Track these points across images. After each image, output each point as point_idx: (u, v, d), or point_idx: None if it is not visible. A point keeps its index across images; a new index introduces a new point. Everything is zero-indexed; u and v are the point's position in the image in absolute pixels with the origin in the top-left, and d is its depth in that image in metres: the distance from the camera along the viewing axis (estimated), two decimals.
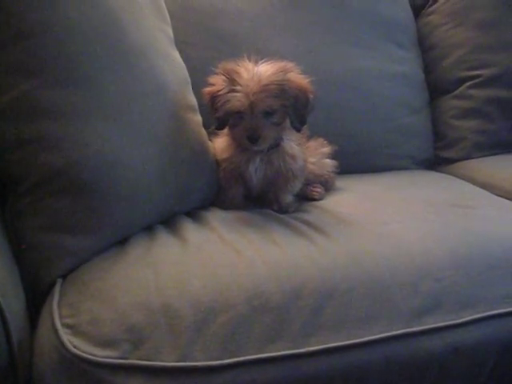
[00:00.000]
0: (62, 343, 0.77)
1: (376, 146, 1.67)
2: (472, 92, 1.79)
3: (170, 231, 1.03)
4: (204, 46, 1.50)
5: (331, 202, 1.24)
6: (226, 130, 1.19)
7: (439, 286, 0.92)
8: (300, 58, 1.56)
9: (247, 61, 1.14)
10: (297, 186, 1.24)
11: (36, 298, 0.90)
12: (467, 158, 1.74)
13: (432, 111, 1.84)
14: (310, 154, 1.32)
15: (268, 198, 1.24)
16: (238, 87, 1.09)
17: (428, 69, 1.87)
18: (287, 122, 1.15)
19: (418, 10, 1.94)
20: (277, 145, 1.18)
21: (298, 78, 1.14)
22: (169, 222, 1.08)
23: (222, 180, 1.24)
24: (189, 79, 1.26)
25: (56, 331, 0.79)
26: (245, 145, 1.14)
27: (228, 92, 1.11)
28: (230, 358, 0.78)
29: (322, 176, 1.36)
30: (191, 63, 1.31)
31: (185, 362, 0.76)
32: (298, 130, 1.17)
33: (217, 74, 1.15)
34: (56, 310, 0.82)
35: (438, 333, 0.88)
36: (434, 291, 0.91)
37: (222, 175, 1.23)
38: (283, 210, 1.20)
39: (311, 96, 1.16)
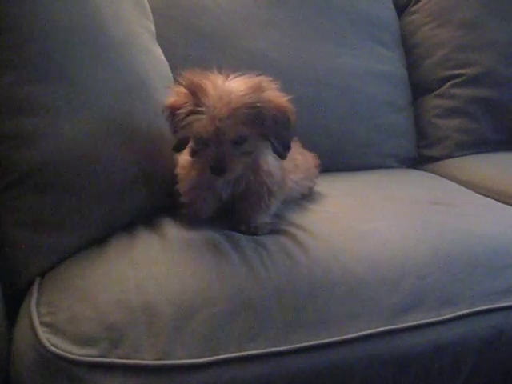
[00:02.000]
0: (40, 342, 0.76)
1: (359, 144, 1.67)
2: (455, 91, 1.81)
3: (151, 229, 1.01)
4: (186, 43, 1.49)
5: (314, 200, 1.24)
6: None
7: (421, 284, 0.92)
8: (283, 56, 1.58)
9: (216, 74, 0.97)
10: (273, 204, 1.08)
11: (14, 297, 0.89)
12: (450, 157, 1.76)
13: (415, 110, 1.86)
14: (294, 170, 1.17)
15: (238, 217, 1.07)
16: (203, 108, 0.92)
17: (411, 68, 1.89)
18: (262, 146, 0.99)
19: (401, 9, 1.96)
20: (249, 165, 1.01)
21: (275, 96, 0.98)
22: (150, 219, 1.07)
23: (183, 195, 1.06)
24: (171, 76, 1.25)
25: (34, 329, 0.78)
26: (207, 176, 0.97)
27: (190, 113, 0.94)
28: (210, 355, 0.77)
29: (302, 194, 1.25)
30: (173, 61, 1.31)
31: (165, 360, 0.75)
32: (283, 157, 1.00)
33: (180, 84, 0.98)
34: (34, 308, 0.82)
35: (420, 330, 0.88)
36: (415, 289, 0.92)
37: (186, 184, 1.06)
38: (251, 231, 1.03)
39: (292, 116, 1.00)
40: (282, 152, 0.99)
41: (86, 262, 0.90)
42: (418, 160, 1.81)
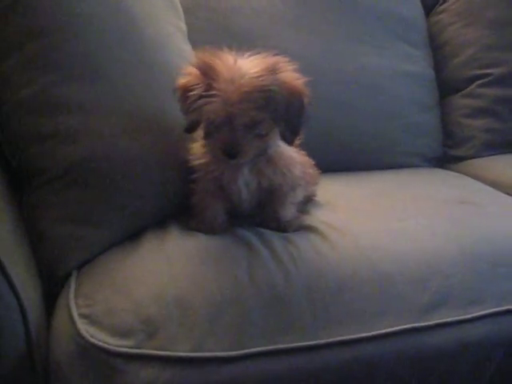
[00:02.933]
0: (78, 332, 0.79)
1: (386, 143, 1.67)
2: (482, 91, 1.79)
3: (184, 225, 1.04)
4: (217, 43, 1.50)
5: (343, 198, 1.25)
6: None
7: (448, 283, 0.93)
8: (311, 55, 1.59)
9: (229, 53, 0.94)
10: (299, 195, 1.07)
11: (52, 289, 0.92)
12: (476, 157, 1.74)
13: (442, 110, 1.84)
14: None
15: (265, 214, 1.05)
16: (214, 91, 0.88)
17: (438, 67, 1.87)
18: (276, 131, 0.96)
19: (428, 9, 1.94)
20: (263, 154, 0.98)
21: (290, 78, 0.93)
22: (182, 215, 1.08)
23: (196, 195, 1.02)
24: None
25: (73, 321, 0.81)
26: (221, 159, 0.94)
27: (202, 95, 0.90)
28: (241, 349, 0.79)
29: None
30: None
31: (197, 352, 0.77)
32: (290, 143, 0.97)
33: (192, 64, 0.95)
34: (72, 301, 0.84)
35: (446, 328, 0.89)
36: (442, 287, 0.92)
37: (198, 188, 1.02)
38: (282, 228, 1.02)
39: (306, 101, 0.94)
40: (289, 138, 0.96)
41: (121, 256, 0.92)
42: (445, 159, 1.80)
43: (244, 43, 1.26)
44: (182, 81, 0.95)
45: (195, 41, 1.36)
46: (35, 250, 0.92)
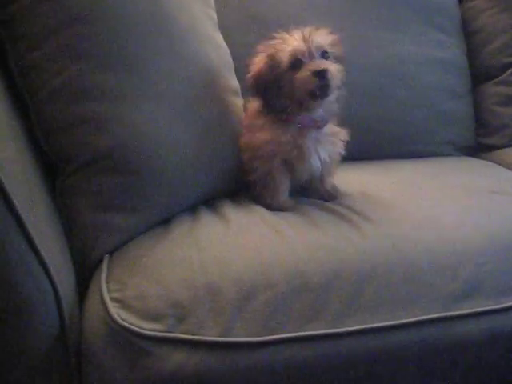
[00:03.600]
0: (110, 316, 0.80)
1: (417, 131, 1.65)
2: None
3: (213, 212, 1.05)
4: (246, 30, 1.50)
5: (372, 187, 1.24)
6: (265, 119, 1.09)
7: (478, 272, 0.92)
8: (342, 42, 1.58)
9: (281, 32, 1.08)
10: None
11: (84, 273, 0.93)
12: (510, 146, 1.71)
13: (475, 97, 1.81)
14: None
15: (313, 186, 1.16)
16: (288, 39, 1.05)
17: (471, 54, 1.83)
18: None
19: None
20: (327, 121, 1.09)
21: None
22: (212, 202, 1.10)
23: (264, 176, 1.09)
24: (232, 63, 1.28)
25: (105, 304, 0.82)
26: (311, 93, 1.02)
27: (277, 51, 1.04)
28: (269, 335, 0.80)
29: None
30: (233, 48, 1.33)
31: (226, 337, 0.78)
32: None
33: (254, 58, 1.08)
34: (104, 285, 0.86)
35: (476, 318, 0.88)
36: (473, 276, 0.91)
37: (264, 167, 1.08)
38: (333, 196, 1.14)
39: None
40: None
41: (152, 242, 0.94)
42: (477, 148, 1.77)
43: (274, 30, 1.27)
44: (252, 72, 1.08)
45: (225, 28, 1.36)
46: (68, 236, 0.94)
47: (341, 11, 1.64)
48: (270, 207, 1.07)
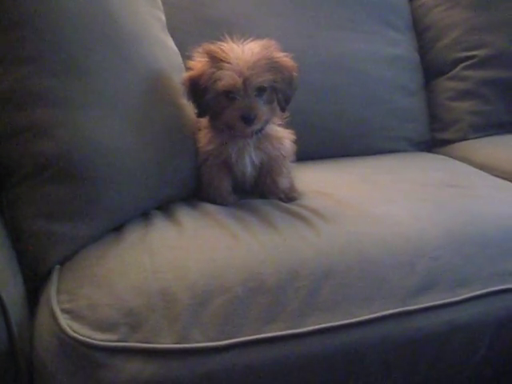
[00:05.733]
0: (61, 328, 0.78)
1: (372, 128, 1.67)
2: (467, 73, 1.79)
3: (166, 216, 1.03)
4: (197, 32, 1.49)
5: (328, 185, 1.24)
6: (206, 123, 1.13)
7: (435, 265, 0.93)
8: (295, 43, 1.58)
9: (230, 41, 1.08)
10: (289, 166, 1.19)
11: (34, 286, 0.91)
12: (464, 140, 1.75)
13: (428, 93, 1.84)
14: None
15: (265, 185, 1.17)
16: (228, 65, 1.02)
17: (423, 51, 1.87)
18: (275, 103, 1.10)
19: None
20: (262, 129, 1.12)
21: (282, 55, 1.09)
22: (165, 207, 1.09)
23: (207, 175, 1.15)
24: (183, 65, 1.26)
25: (55, 316, 0.80)
26: (237, 128, 1.06)
27: (216, 71, 1.03)
28: (227, 339, 0.78)
29: None
30: (184, 50, 1.31)
31: (183, 343, 0.77)
32: (284, 110, 1.11)
33: (195, 57, 1.08)
34: (54, 296, 0.83)
35: (435, 311, 0.89)
36: (429, 270, 0.92)
37: (207, 170, 1.14)
38: (281, 196, 1.15)
39: (295, 74, 1.10)
40: (284, 105, 1.10)
41: (103, 249, 0.91)
42: (432, 143, 1.80)
43: (225, 31, 1.26)
44: (189, 73, 1.08)
45: (174, 31, 1.34)
46: (16, 247, 0.91)
47: (294, 11, 1.65)
48: (215, 202, 1.12)
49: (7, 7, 0.88)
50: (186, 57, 1.16)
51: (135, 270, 0.85)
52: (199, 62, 1.07)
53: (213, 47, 1.05)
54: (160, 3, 1.33)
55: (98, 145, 0.93)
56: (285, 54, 1.10)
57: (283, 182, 1.17)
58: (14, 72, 0.88)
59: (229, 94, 1.04)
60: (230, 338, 0.79)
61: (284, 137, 1.16)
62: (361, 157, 1.61)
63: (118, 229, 0.98)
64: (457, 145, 1.74)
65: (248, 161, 1.13)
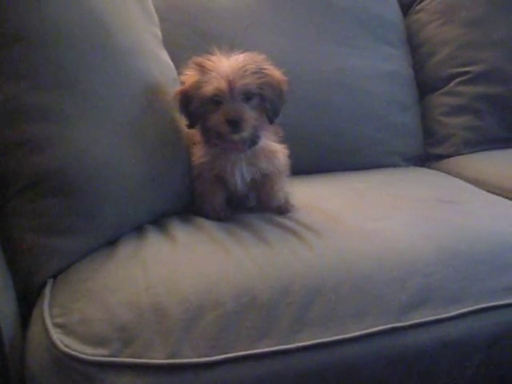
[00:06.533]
0: (52, 343, 0.78)
1: (366, 143, 1.68)
2: (461, 89, 1.80)
3: (160, 231, 1.03)
4: (191, 46, 1.49)
5: (321, 200, 1.25)
6: (199, 137, 1.13)
7: (427, 282, 0.93)
8: (289, 57, 1.59)
9: (218, 53, 1.08)
10: (284, 181, 1.18)
11: (27, 299, 0.90)
12: (457, 155, 1.76)
13: (422, 108, 1.85)
14: None
15: (261, 202, 1.18)
16: (214, 72, 1.03)
17: (417, 66, 1.88)
18: (264, 115, 1.09)
19: (406, 8, 1.95)
20: (255, 143, 1.10)
21: (272, 68, 1.09)
22: (159, 221, 1.09)
23: (200, 189, 1.15)
24: (178, 80, 1.26)
25: (47, 331, 0.80)
26: (225, 133, 1.05)
27: (203, 79, 1.04)
28: (219, 354, 0.78)
29: None
30: (180, 64, 1.32)
31: (174, 359, 0.77)
32: (271, 122, 1.10)
33: (186, 71, 1.09)
34: (47, 310, 0.83)
35: (426, 327, 0.89)
36: (421, 286, 0.92)
37: (201, 184, 1.15)
38: (284, 210, 1.15)
39: (285, 87, 1.10)
40: (272, 118, 1.09)
41: (96, 264, 0.91)
42: (425, 158, 1.80)
43: (221, 47, 1.26)
44: (181, 88, 1.09)
45: (170, 46, 1.35)
46: (10, 261, 0.91)
47: (289, 26, 1.66)
48: (208, 217, 1.11)
49: (2, 23, 0.88)
50: (179, 72, 1.17)
51: (128, 285, 0.84)
52: (188, 76, 1.08)
53: (200, 58, 1.07)
54: (156, 19, 1.34)
55: (93, 159, 0.93)
56: (274, 67, 1.10)
57: (278, 197, 1.17)
58: (7, 88, 0.88)
59: (215, 99, 1.04)
60: (222, 354, 0.79)
61: (278, 151, 1.15)
62: (354, 171, 1.61)
63: (111, 243, 0.98)
64: (450, 160, 1.75)
65: (238, 176, 1.12)
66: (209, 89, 1.03)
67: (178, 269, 0.88)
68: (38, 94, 0.90)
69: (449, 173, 1.61)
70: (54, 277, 0.91)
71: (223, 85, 1.02)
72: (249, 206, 1.21)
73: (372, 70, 1.73)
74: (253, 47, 1.54)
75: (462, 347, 0.91)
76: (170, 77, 1.22)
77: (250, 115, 1.04)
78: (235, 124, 1.03)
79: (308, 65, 1.62)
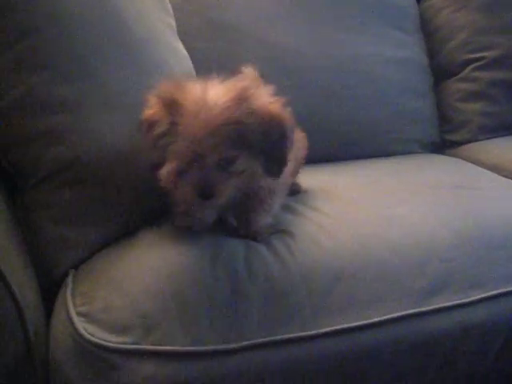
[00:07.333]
0: (77, 331, 0.79)
1: (382, 131, 1.67)
2: (476, 74, 1.79)
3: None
4: (206, 37, 1.50)
5: (338, 188, 1.25)
6: None
7: (446, 267, 0.93)
8: (304, 46, 1.59)
9: (196, 83, 0.84)
10: (276, 203, 0.98)
11: (50, 289, 0.91)
12: (473, 141, 1.75)
13: (437, 95, 1.84)
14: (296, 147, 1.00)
15: (238, 220, 0.98)
16: (180, 128, 0.79)
17: (432, 52, 1.87)
18: (256, 165, 0.85)
19: None
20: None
21: (265, 105, 0.83)
22: None
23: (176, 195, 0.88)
24: (193, 70, 1.27)
25: (71, 319, 0.80)
26: (196, 205, 0.86)
27: (167, 133, 0.81)
28: (241, 341, 0.79)
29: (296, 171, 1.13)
30: (194, 55, 1.32)
31: (196, 346, 0.77)
32: (276, 175, 0.87)
33: (156, 96, 0.86)
34: (70, 299, 0.84)
35: (447, 312, 0.89)
36: (440, 272, 0.92)
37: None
38: (251, 235, 0.94)
39: (286, 126, 0.85)
40: (276, 171, 0.86)
41: (117, 253, 0.92)
42: (442, 145, 1.80)
43: (235, 36, 1.25)
44: (147, 113, 0.86)
45: (184, 36, 1.35)
46: (31, 251, 0.91)
47: (303, 14, 1.65)
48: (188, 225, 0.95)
49: (20, 15, 0.88)
50: (197, 62, 1.16)
51: (150, 274, 0.85)
52: (158, 105, 0.85)
53: (170, 93, 0.83)
54: (170, 8, 1.34)
55: (111, 149, 0.94)
56: (271, 99, 0.85)
57: (258, 221, 0.95)
58: (27, 79, 0.89)
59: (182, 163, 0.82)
60: (243, 341, 0.79)
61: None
62: (370, 159, 1.61)
63: (132, 232, 0.98)
64: (466, 146, 1.74)
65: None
66: (172, 154, 0.81)
67: (199, 257, 0.88)
68: (57, 86, 0.90)
69: (465, 159, 1.60)
70: (76, 267, 0.92)
71: (188, 153, 0.80)
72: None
73: (386, 57, 1.73)
74: (265, 36, 1.55)
75: (482, 332, 0.91)
76: (185, 67, 1.23)
77: (226, 185, 0.82)
78: (206, 197, 0.82)
79: (322, 52, 1.62)
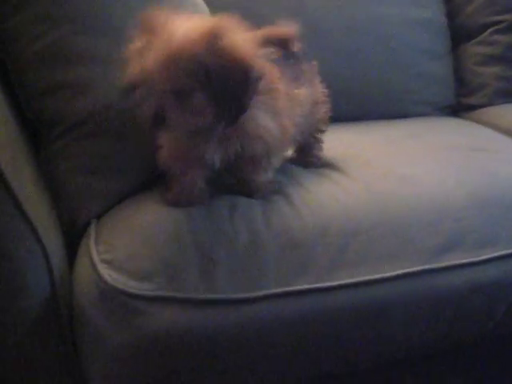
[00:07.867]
0: (101, 277, 0.81)
1: (397, 92, 1.66)
2: (495, 38, 1.76)
3: None
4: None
5: (355, 147, 1.25)
6: None
7: (459, 226, 0.94)
8: (321, 6, 1.57)
9: (182, 16, 0.80)
10: (275, 160, 0.96)
11: (73, 238, 0.94)
12: (489, 105, 1.73)
13: (455, 58, 1.82)
14: (300, 102, 0.98)
15: (237, 178, 0.97)
16: (147, 53, 0.77)
17: (451, 14, 1.83)
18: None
19: None
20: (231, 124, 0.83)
21: (233, 47, 0.78)
22: None
23: (168, 164, 0.90)
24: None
25: (95, 266, 0.82)
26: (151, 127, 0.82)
27: (140, 51, 0.79)
28: (258, 290, 0.81)
29: (312, 127, 1.09)
30: (212, 8, 1.30)
31: (215, 294, 0.80)
32: (230, 124, 0.82)
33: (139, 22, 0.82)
34: (93, 247, 0.86)
35: (457, 270, 0.91)
36: (453, 230, 0.94)
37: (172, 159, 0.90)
38: (252, 191, 0.95)
39: (252, 73, 0.79)
40: (230, 118, 0.81)
41: (139, 203, 0.93)
42: (457, 108, 1.79)
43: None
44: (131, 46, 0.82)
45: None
46: (55, 201, 0.94)
47: None
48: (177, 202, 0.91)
49: None
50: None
51: (171, 223, 0.86)
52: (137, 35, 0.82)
53: (151, 20, 0.80)
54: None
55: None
56: (241, 43, 0.79)
57: (258, 179, 0.95)
58: (52, 31, 0.90)
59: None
60: (260, 290, 0.81)
61: (268, 131, 0.88)
62: (385, 120, 1.60)
63: (153, 183, 0.99)
64: (482, 110, 1.72)
65: (211, 155, 0.88)
66: (128, 75, 0.80)
67: (219, 209, 0.90)
68: (81, 38, 0.92)
69: (481, 123, 1.59)
70: (98, 216, 0.94)
71: (139, 77, 0.78)
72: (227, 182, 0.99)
73: (404, 18, 1.69)
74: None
75: (490, 292, 0.93)
76: None
77: (181, 115, 0.79)
78: (156, 121, 0.79)
79: (339, 12, 1.60)
